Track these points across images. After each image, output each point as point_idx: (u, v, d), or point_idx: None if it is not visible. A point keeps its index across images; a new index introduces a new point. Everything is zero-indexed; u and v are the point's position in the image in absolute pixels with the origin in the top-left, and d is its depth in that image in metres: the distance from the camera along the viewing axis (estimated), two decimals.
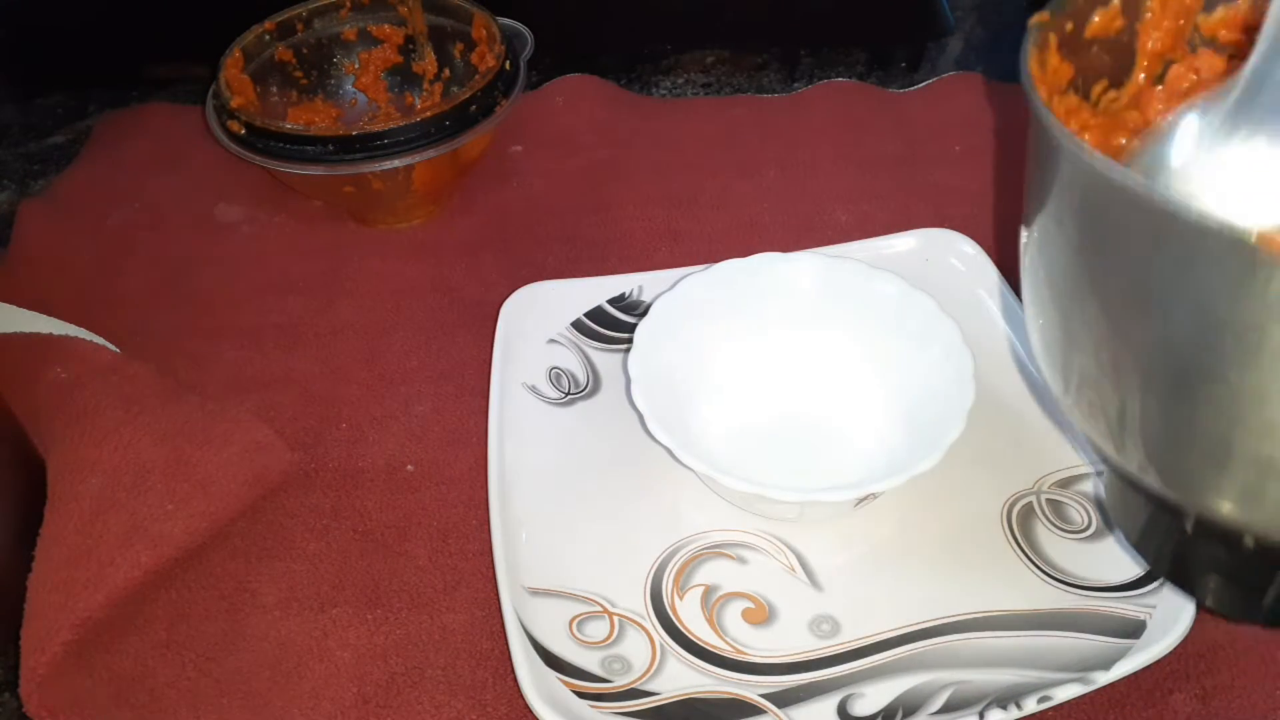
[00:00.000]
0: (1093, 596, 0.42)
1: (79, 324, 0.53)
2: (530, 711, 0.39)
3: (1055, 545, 0.44)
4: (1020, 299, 0.53)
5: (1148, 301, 0.28)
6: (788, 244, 0.54)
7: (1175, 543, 0.34)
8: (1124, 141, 0.35)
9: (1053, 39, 0.34)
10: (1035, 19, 0.33)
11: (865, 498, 0.44)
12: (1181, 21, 0.36)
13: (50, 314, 0.53)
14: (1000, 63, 0.75)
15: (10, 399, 0.49)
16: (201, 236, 0.62)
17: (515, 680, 0.40)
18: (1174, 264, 0.26)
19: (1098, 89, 0.37)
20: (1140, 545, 0.36)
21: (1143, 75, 0.37)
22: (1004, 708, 0.38)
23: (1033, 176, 0.32)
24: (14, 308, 0.54)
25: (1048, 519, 0.45)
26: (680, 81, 0.74)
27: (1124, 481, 0.34)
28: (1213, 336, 0.26)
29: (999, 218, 0.60)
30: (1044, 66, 0.34)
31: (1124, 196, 0.26)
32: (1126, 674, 0.39)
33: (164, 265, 0.60)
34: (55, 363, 0.50)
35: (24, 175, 0.69)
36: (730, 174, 0.64)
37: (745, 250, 0.51)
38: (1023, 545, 0.45)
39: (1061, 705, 0.39)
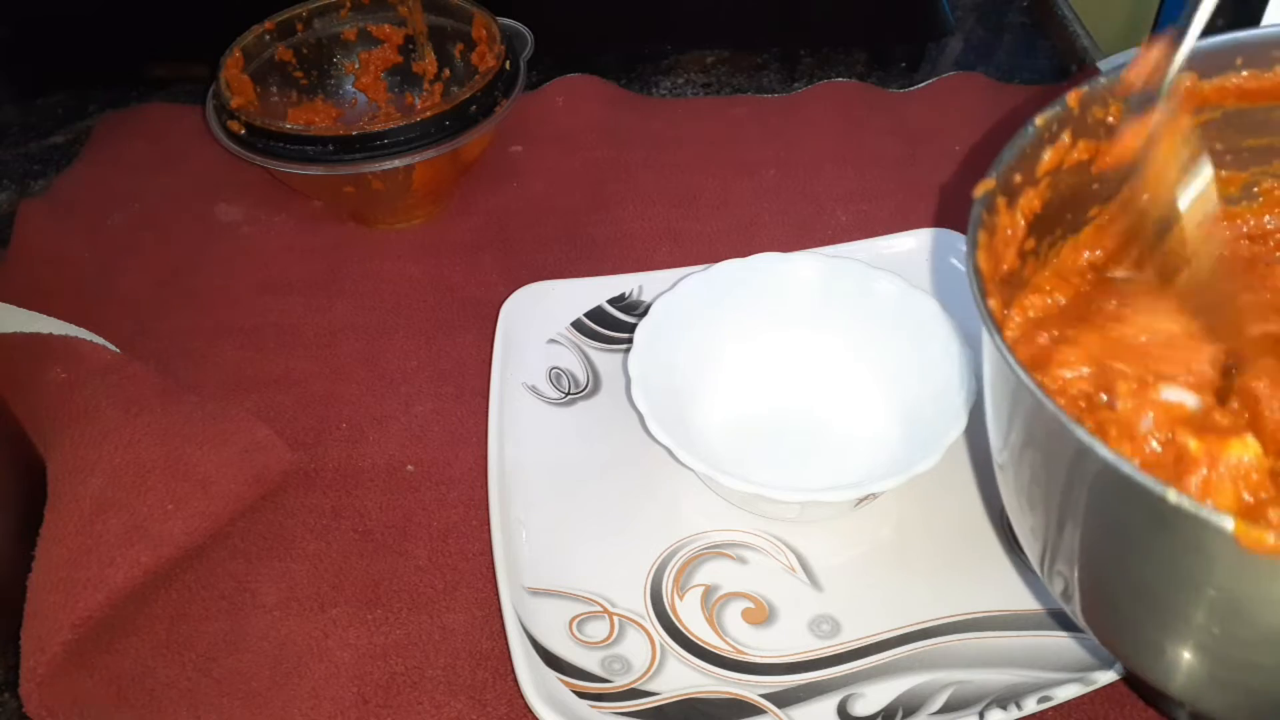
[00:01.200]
0: None
1: (79, 324, 0.53)
2: (530, 711, 0.39)
3: None
4: None
5: (1118, 548, 0.28)
6: (788, 244, 0.54)
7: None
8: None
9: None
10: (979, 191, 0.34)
11: (865, 498, 0.44)
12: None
13: (50, 314, 0.53)
14: (1000, 63, 0.75)
15: (10, 399, 0.49)
16: (201, 236, 0.62)
17: (515, 680, 0.40)
18: (1145, 531, 0.27)
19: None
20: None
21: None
22: (1004, 708, 0.38)
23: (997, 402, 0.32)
24: (14, 308, 0.54)
25: None
26: (680, 81, 0.74)
27: None
28: (1178, 589, 0.27)
29: None
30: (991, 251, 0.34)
31: (1105, 474, 0.26)
32: (1126, 674, 0.39)
33: (164, 265, 0.60)
34: (55, 363, 0.50)
35: (24, 175, 0.69)
36: (730, 174, 0.64)
37: (745, 250, 0.51)
38: (1023, 545, 0.45)
39: (1061, 705, 0.39)
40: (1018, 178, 0.35)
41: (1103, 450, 0.26)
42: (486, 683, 0.42)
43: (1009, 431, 0.31)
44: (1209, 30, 0.33)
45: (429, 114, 0.57)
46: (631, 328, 0.50)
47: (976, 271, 0.31)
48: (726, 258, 0.51)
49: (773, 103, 0.70)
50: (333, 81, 0.67)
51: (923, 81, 0.71)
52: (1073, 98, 0.35)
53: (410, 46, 0.67)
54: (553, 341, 0.54)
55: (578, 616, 0.43)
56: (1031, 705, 0.38)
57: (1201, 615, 0.27)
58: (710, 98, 0.72)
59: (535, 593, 0.43)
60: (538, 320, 0.54)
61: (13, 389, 0.49)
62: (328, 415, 0.52)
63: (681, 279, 0.51)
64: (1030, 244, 0.36)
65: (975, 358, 0.46)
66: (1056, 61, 0.75)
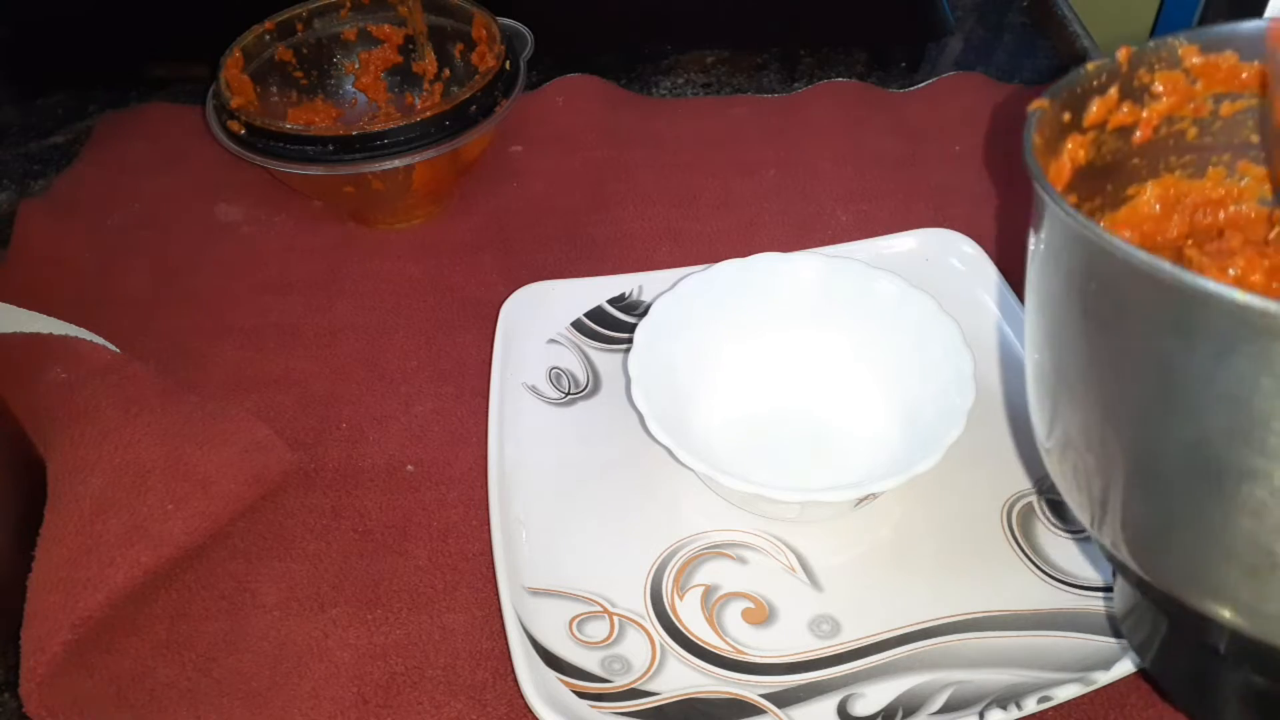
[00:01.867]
0: (1093, 596, 0.43)
1: (79, 324, 0.53)
2: (530, 711, 0.39)
3: (1055, 545, 0.44)
4: (1021, 300, 0.53)
5: (1168, 394, 0.26)
6: (788, 244, 0.54)
7: (1198, 668, 0.32)
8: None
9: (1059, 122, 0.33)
10: (1034, 105, 0.33)
11: (865, 498, 0.44)
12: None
13: (50, 314, 0.53)
14: (1000, 63, 0.75)
15: (10, 399, 0.49)
16: (201, 236, 0.62)
17: (515, 680, 0.40)
18: (1204, 355, 0.25)
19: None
20: (1156, 667, 0.35)
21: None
22: (1004, 708, 0.38)
23: (1038, 253, 0.31)
24: (14, 308, 0.54)
25: (1048, 519, 0.45)
26: (680, 81, 0.74)
27: (1139, 596, 0.33)
28: (1247, 430, 0.25)
29: (999, 218, 0.60)
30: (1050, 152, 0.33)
31: (1146, 279, 0.25)
32: (1126, 674, 0.39)
33: (164, 265, 0.60)
34: (55, 363, 0.50)
35: (24, 175, 0.69)
36: (730, 174, 0.65)
37: (745, 250, 0.51)
38: (1023, 545, 0.45)
39: (1061, 705, 0.39)
40: (1066, 117, 0.34)
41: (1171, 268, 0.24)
42: (486, 683, 0.42)
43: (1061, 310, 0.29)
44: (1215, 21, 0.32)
45: (429, 114, 0.57)
46: (631, 328, 0.50)
47: (1034, 151, 0.30)
48: (726, 258, 0.51)
49: (773, 103, 0.70)
50: (333, 81, 0.67)
51: (923, 81, 0.71)
52: (1122, 54, 0.34)
53: (410, 46, 0.67)
54: (553, 341, 0.54)
55: (578, 616, 0.43)
56: (1031, 705, 0.38)
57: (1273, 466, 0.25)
58: (710, 98, 0.72)
59: (535, 593, 0.43)
60: (538, 320, 0.54)
61: (13, 389, 0.49)
62: (328, 415, 0.52)
63: (681, 279, 0.51)
64: (1072, 199, 0.35)
65: (975, 358, 0.46)
66: (1056, 61, 0.75)
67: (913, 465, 0.43)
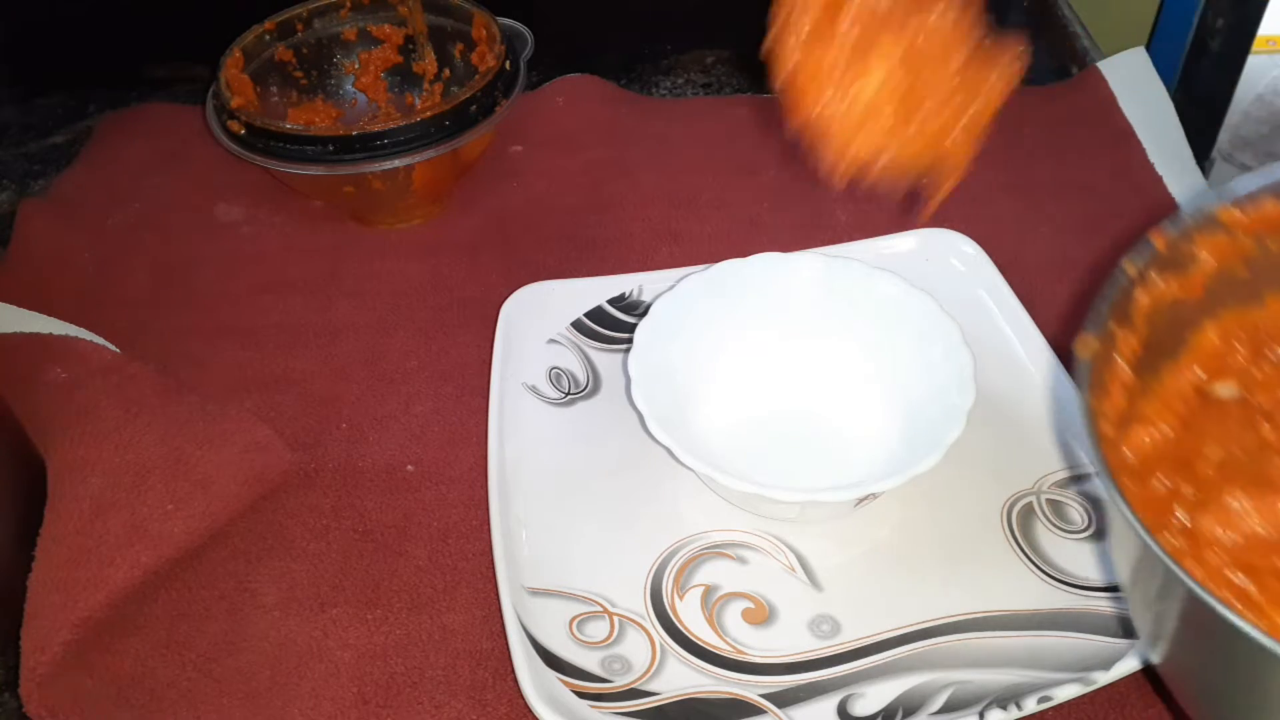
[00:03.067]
0: (1093, 596, 0.42)
1: (79, 324, 0.53)
2: (530, 711, 0.39)
3: (1055, 545, 0.44)
4: (1021, 299, 0.53)
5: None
6: (788, 244, 0.54)
7: None
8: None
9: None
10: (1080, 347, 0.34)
11: (865, 498, 0.44)
12: None
13: (50, 314, 0.53)
14: None
15: (10, 399, 0.49)
16: (201, 236, 0.62)
17: (515, 680, 0.40)
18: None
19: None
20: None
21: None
22: (1004, 708, 0.38)
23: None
24: (14, 308, 0.54)
25: (1048, 519, 0.45)
26: (680, 81, 0.74)
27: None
28: None
29: (999, 218, 0.60)
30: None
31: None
32: (1126, 674, 0.39)
33: (164, 265, 0.60)
34: (55, 363, 0.50)
35: (24, 175, 0.69)
36: (730, 174, 0.64)
37: (745, 250, 0.51)
38: (1023, 545, 0.45)
39: (1061, 705, 0.39)
40: (1112, 325, 0.35)
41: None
42: (486, 683, 0.42)
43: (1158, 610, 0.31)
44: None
45: (429, 114, 0.57)
46: (631, 328, 0.50)
47: (1099, 445, 0.31)
48: (726, 258, 0.51)
49: (773, 103, 0.70)
50: (333, 81, 0.67)
51: None
52: (1159, 240, 0.36)
53: (410, 46, 0.67)
54: (553, 341, 0.54)
55: (578, 616, 0.43)
56: (1031, 705, 0.38)
57: None
58: (710, 98, 0.72)
59: (535, 593, 0.43)
60: (538, 320, 0.54)
61: (13, 389, 0.49)
62: (328, 415, 0.52)
63: (681, 279, 0.51)
64: (1133, 381, 0.36)
65: (975, 358, 0.46)
66: (1056, 61, 0.75)
67: (913, 465, 0.43)
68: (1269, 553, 0.32)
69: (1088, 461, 0.30)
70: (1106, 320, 0.35)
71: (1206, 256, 0.36)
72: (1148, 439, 0.36)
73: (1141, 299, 0.36)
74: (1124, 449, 0.35)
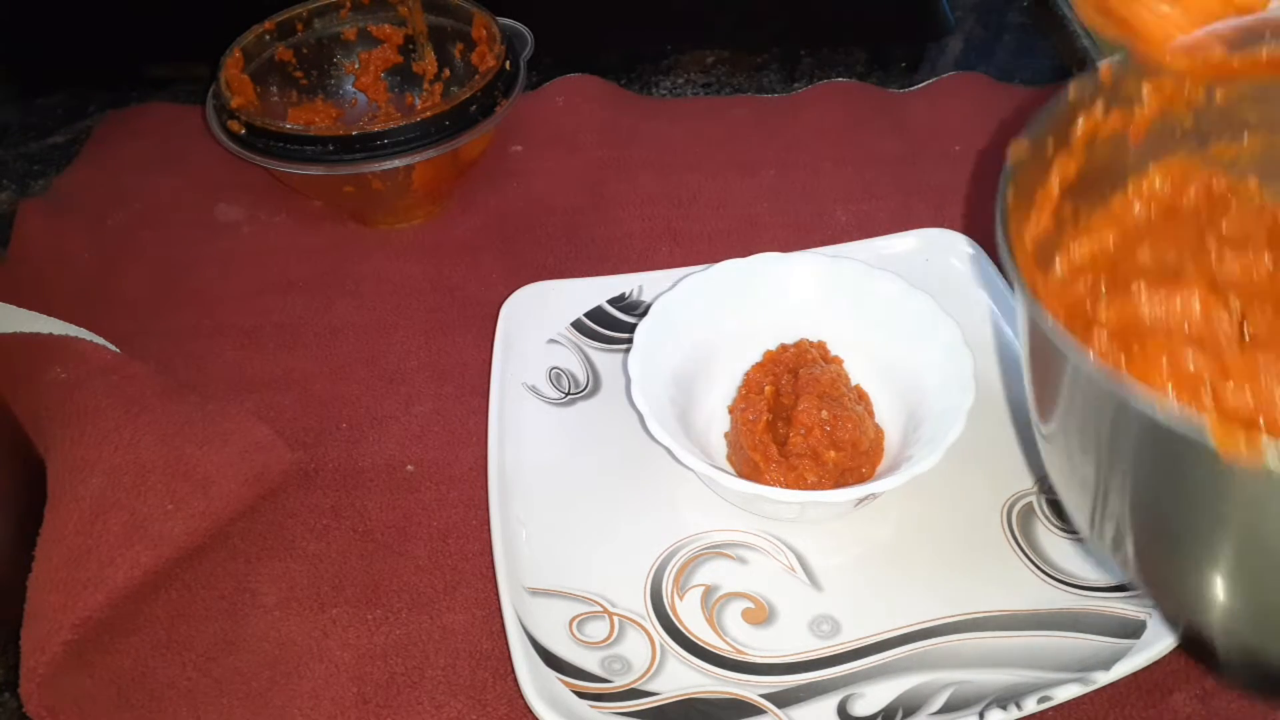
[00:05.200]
0: (1093, 596, 0.42)
1: (79, 324, 0.53)
2: (530, 711, 0.39)
3: (1055, 545, 0.44)
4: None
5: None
6: (788, 244, 0.54)
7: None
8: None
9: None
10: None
11: (865, 498, 0.44)
12: None
13: (50, 314, 0.53)
14: (1000, 63, 0.75)
15: (10, 399, 0.49)
16: (201, 236, 0.62)
17: (515, 680, 0.40)
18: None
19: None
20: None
21: None
22: (1004, 708, 0.38)
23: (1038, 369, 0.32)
24: (14, 308, 0.54)
25: (1048, 519, 0.45)
26: (680, 81, 0.74)
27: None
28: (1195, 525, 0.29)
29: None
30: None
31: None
32: (1126, 674, 0.39)
33: (164, 265, 0.60)
34: (55, 363, 0.50)
35: (24, 175, 0.69)
36: (730, 174, 0.64)
37: (745, 250, 0.51)
38: (1023, 545, 0.45)
39: (1061, 705, 0.39)
40: (1051, 142, 0.35)
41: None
42: (486, 683, 0.42)
43: (1049, 389, 0.31)
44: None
45: (429, 114, 0.57)
46: (631, 328, 0.50)
47: (1006, 230, 0.32)
48: (726, 258, 0.51)
49: (773, 103, 0.70)
50: (333, 81, 0.67)
51: (923, 81, 0.71)
52: (1105, 72, 0.35)
53: (410, 46, 0.67)
54: (553, 341, 0.54)
55: (578, 616, 0.43)
56: (1031, 705, 0.38)
57: (1229, 550, 0.27)
58: (710, 98, 0.72)
59: (535, 593, 0.43)
60: (538, 320, 0.54)
61: (13, 389, 0.49)
62: (328, 415, 0.52)
63: (681, 279, 0.51)
64: (1067, 209, 0.36)
65: (975, 358, 0.46)
66: (1056, 61, 0.75)
67: (913, 465, 0.43)
68: (1146, 337, 0.32)
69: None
70: (1045, 136, 0.35)
71: (1152, 96, 0.36)
72: (1086, 250, 0.36)
73: (1081, 124, 0.35)
74: (1031, 239, 0.36)
